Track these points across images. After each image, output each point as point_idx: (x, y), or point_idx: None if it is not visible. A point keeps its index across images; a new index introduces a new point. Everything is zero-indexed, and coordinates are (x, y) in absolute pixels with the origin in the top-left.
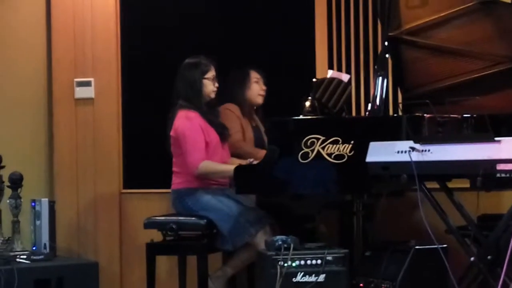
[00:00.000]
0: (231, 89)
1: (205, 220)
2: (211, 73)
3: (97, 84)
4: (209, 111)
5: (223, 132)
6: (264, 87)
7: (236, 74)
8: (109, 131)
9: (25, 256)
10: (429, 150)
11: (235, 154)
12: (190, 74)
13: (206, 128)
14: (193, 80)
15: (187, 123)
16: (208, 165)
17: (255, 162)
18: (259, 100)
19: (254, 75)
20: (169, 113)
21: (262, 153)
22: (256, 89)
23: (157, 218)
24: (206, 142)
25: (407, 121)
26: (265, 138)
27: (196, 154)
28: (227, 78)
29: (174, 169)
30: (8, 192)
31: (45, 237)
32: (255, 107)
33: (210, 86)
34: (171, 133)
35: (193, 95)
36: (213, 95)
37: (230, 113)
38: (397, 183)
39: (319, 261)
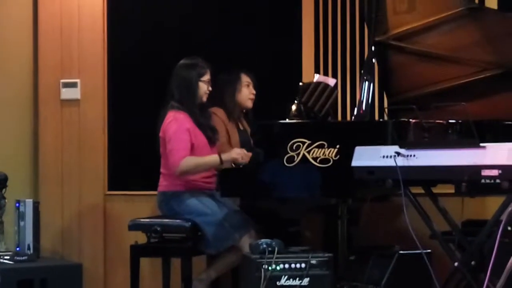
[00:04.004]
0: (221, 92)
1: (190, 223)
2: (207, 76)
3: (83, 85)
4: (200, 114)
5: (212, 136)
6: (254, 91)
7: (227, 77)
8: (94, 132)
9: (8, 257)
10: (414, 155)
11: None
12: (186, 75)
13: (194, 130)
14: (189, 81)
15: (174, 124)
16: (189, 160)
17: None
18: (249, 104)
19: (245, 79)
20: (160, 113)
21: (249, 155)
22: (246, 93)
23: (141, 220)
24: (192, 143)
25: (393, 126)
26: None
27: (178, 153)
28: (216, 80)
29: (161, 170)
30: None
31: (29, 238)
32: (244, 111)
33: (204, 89)
34: (160, 134)
35: (187, 96)
36: (205, 99)
37: (216, 117)
38: (382, 188)
39: (303, 265)
